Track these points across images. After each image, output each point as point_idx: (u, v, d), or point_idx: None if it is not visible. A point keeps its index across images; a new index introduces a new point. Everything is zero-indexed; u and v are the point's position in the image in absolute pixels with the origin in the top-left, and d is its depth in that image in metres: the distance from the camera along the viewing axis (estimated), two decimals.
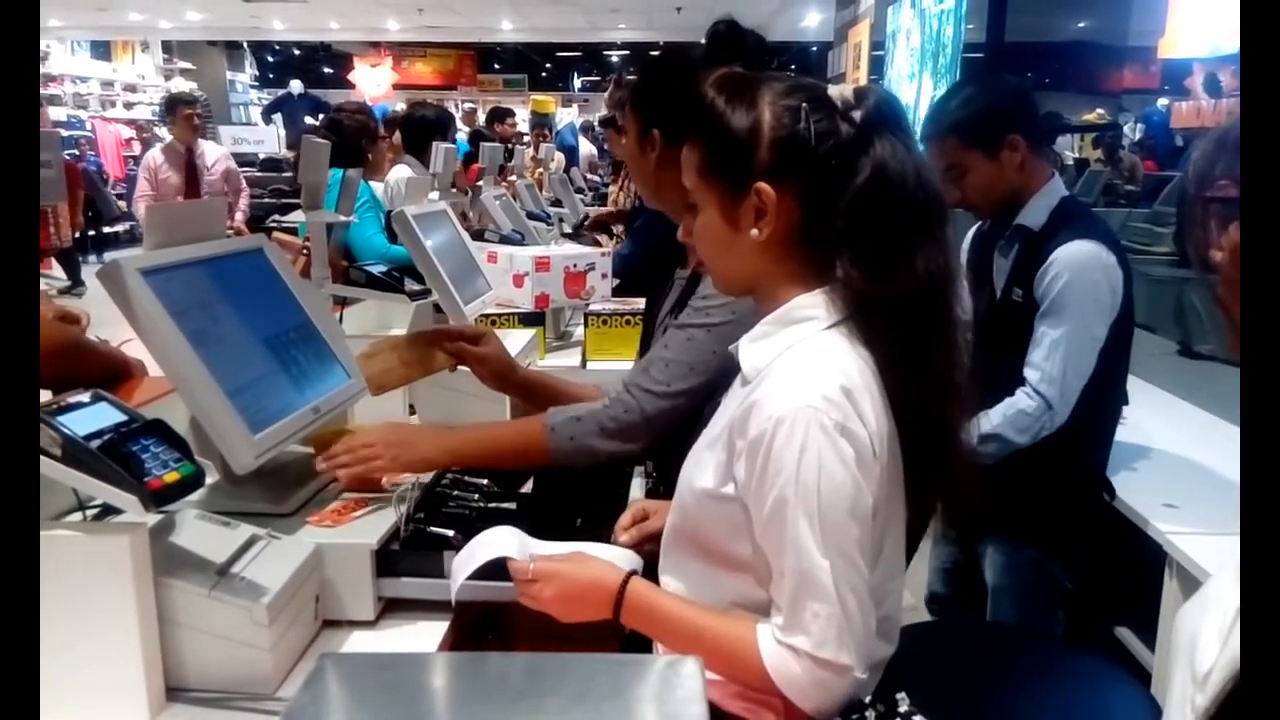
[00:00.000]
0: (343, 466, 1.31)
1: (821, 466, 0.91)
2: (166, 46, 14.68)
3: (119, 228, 10.45)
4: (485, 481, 1.50)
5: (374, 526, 1.22)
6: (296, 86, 12.99)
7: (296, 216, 1.97)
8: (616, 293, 2.89)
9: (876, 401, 0.96)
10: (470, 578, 1.12)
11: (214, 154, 5.89)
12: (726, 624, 1.00)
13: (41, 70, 11.68)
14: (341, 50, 17.55)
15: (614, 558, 1.16)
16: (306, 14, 12.87)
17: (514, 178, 4.47)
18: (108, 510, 1.16)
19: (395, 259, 2.60)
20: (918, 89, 5.96)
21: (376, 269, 2.08)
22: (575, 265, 2.75)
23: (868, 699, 0.98)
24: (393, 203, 3.53)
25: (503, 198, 3.63)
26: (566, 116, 15.86)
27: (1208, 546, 1.62)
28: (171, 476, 0.96)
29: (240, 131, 10.99)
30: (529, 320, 2.63)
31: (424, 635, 1.19)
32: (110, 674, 0.98)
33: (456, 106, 15.10)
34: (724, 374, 1.13)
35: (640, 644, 1.09)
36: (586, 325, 2.55)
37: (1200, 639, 0.69)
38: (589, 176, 8.08)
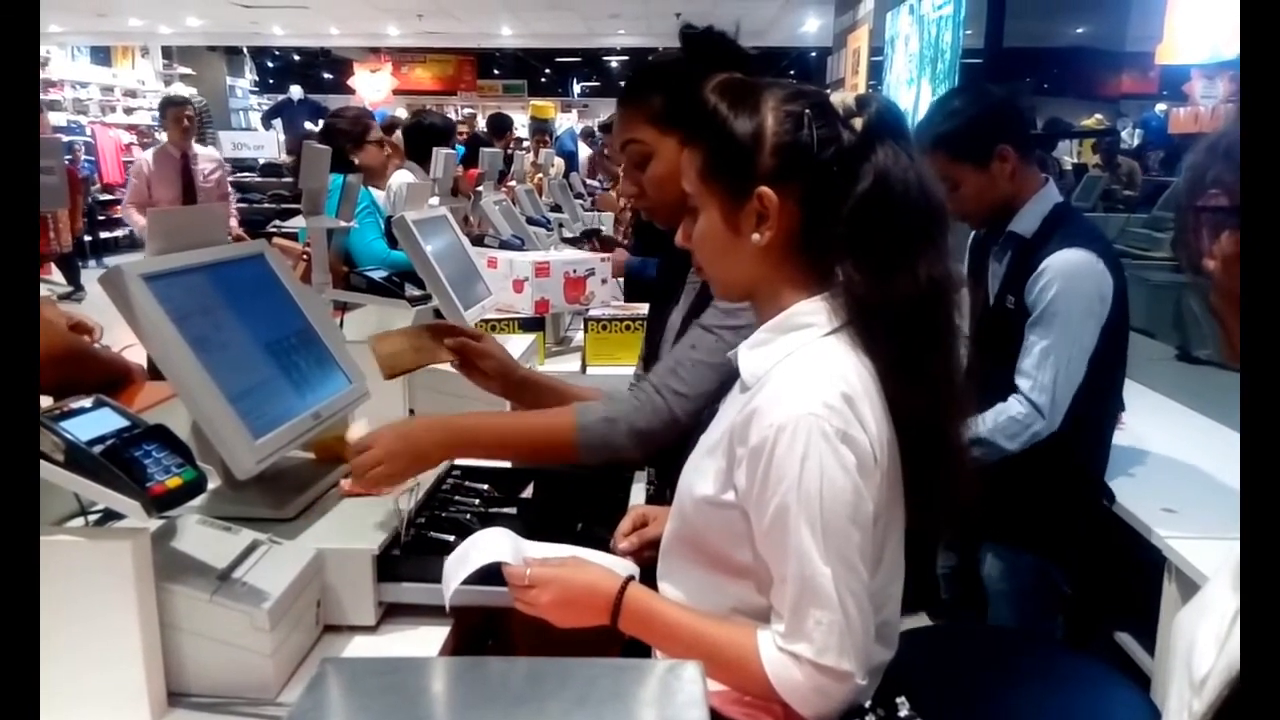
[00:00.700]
0: (359, 490, 1.32)
1: (823, 474, 0.92)
2: (166, 52, 14.69)
3: (118, 232, 10.46)
4: (486, 487, 1.50)
5: (375, 532, 1.22)
6: (296, 92, 12.99)
7: (297, 222, 1.97)
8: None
9: (877, 408, 0.97)
10: (467, 582, 1.12)
11: (208, 160, 5.77)
12: (726, 630, 1.01)
13: (42, 76, 11.69)
14: (341, 56, 17.57)
15: (610, 564, 1.16)
16: (306, 20, 12.89)
17: (513, 183, 4.48)
18: (109, 515, 1.16)
19: (395, 264, 2.60)
20: (916, 94, 5.97)
21: (377, 274, 2.08)
22: (575, 270, 2.75)
23: (868, 703, 0.98)
24: (393, 208, 3.54)
25: (502, 203, 3.64)
26: (566, 122, 15.89)
27: (1206, 551, 1.62)
28: (174, 482, 0.97)
29: (240, 137, 10.99)
30: (529, 325, 2.63)
31: (425, 640, 1.19)
32: (112, 679, 0.98)
33: (456, 112, 15.13)
34: (726, 382, 1.13)
35: (641, 650, 1.09)
36: (586, 330, 2.55)
37: (1197, 644, 0.69)
38: (588, 182, 8.08)
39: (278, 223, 5.95)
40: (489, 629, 1.42)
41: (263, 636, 1.02)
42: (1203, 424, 2.41)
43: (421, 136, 4.14)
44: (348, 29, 13.96)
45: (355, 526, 1.25)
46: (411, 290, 2.08)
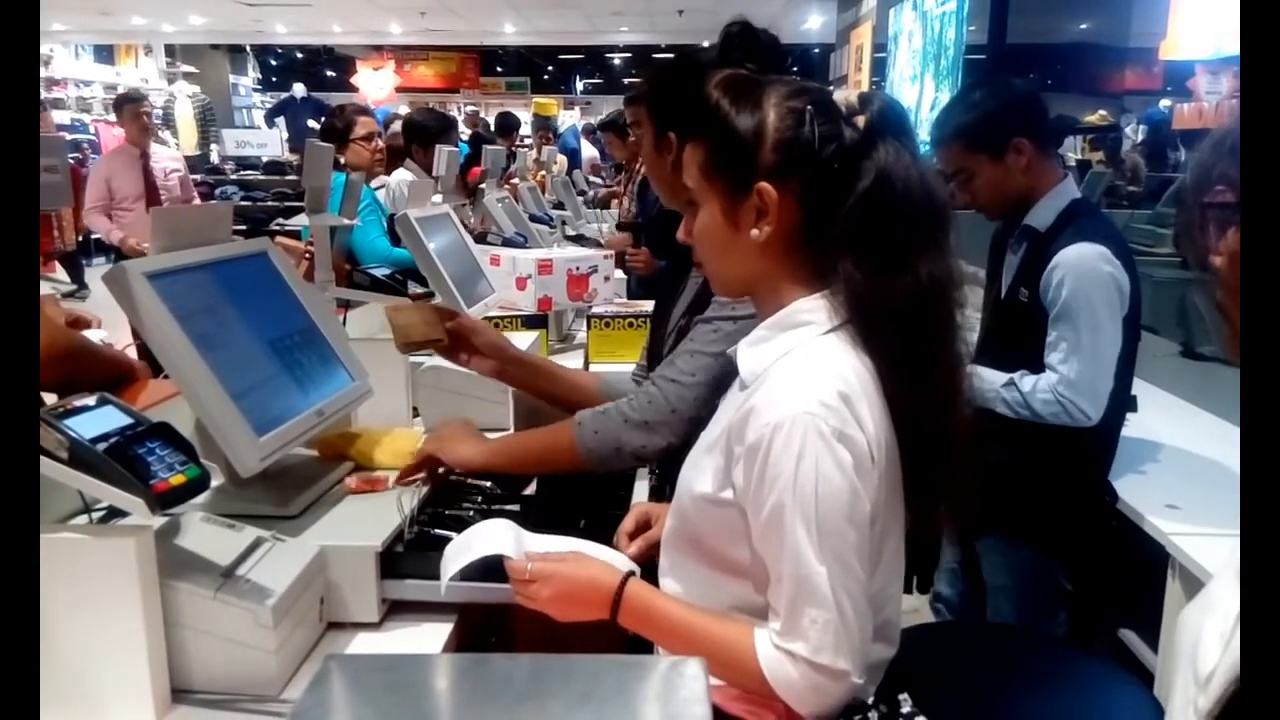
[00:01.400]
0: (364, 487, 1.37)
1: (819, 473, 0.92)
2: (169, 50, 14.70)
3: None
4: (489, 484, 1.50)
5: (378, 529, 1.22)
6: (299, 90, 13.00)
7: (300, 220, 1.98)
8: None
9: (875, 407, 0.96)
10: (469, 578, 1.13)
11: (165, 159, 5.47)
12: (724, 627, 1.01)
13: (45, 74, 11.71)
14: (344, 53, 17.58)
15: (611, 558, 1.16)
16: (309, 17, 12.90)
17: (516, 180, 4.48)
18: (113, 513, 1.17)
19: (398, 262, 2.61)
20: (919, 91, 5.96)
21: (380, 272, 2.09)
22: (578, 268, 2.75)
23: (870, 700, 0.98)
24: (394, 206, 3.54)
25: (505, 200, 3.64)
26: (569, 119, 15.88)
27: (1210, 547, 1.62)
28: (177, 479, 0.97)
29: (243, 135, 11.00)
30: (532, 323, 2.63)
31: (428, 637, 1.19)
32: (116, 676, 0.98)
33: (459, 109, 15.13)
34: (728, 375, 1.13)
35: (644, 647, 1.09)
36: (589, 328, 2.55)
37: (1202, 641, 0.69)
38: (591, 179, 8.08)
39: (281, 220, 5.93)
40: (491, 626, 1.43)
41: (266, 633, 1.02)
42: (1207, 420, 2.41)
43: (417, 135, 4.15)
44: (351, 26, 13.96)
45: (358, 523, 1.25)
46: (414, 288, 2.09)
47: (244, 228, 6.91)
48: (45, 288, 1.34)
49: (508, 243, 3.18)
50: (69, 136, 10.17)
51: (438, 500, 1.41)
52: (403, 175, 3.98)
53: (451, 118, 5.21)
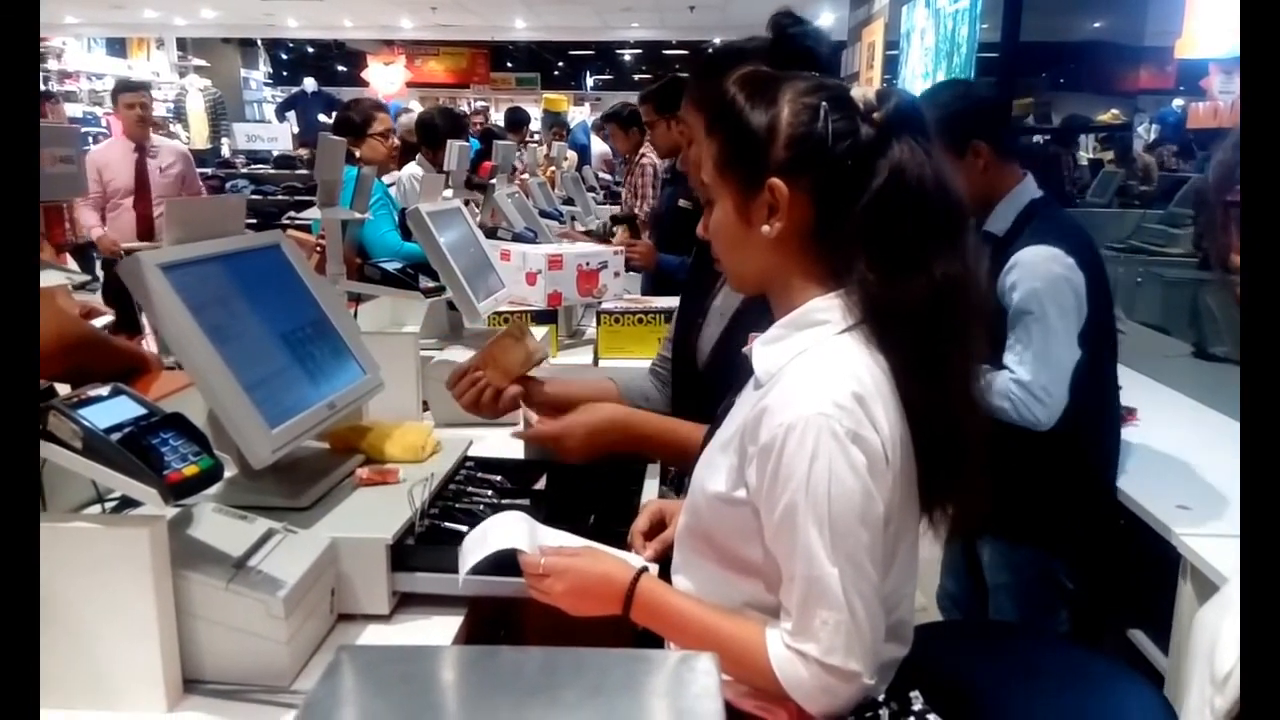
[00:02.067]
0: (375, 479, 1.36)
1: (832, 474, 0.91)
2: (181, 44, 14.73)
3: None
4: (499, 478, 1.51)
5: (389, 521, 1.23)
6: (310, 84, 13.03)
7: (312, 213, 1.98)
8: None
9: (890, 407, 0.96)
10: (482, 571, 1.13)
11: (170, 153, 5.05)
12: (736, 625, 1.01)
13: (58, 67, 11.75)
14: (355, 48, 17.58)
15: (625, 558, 1.16)
16: (320, 12, 12.90)
17: (526, 175, 4.48)
18: (126, 503, 1.17)
19: (409, 256, 2.61)
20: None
21: (391, 266, 2.09)
22: (588, 263, 2.75)
23: (881, 697, 0.98)
24: (405, 200, 3.54)
25: (515, 195, 3.64)
26: (579, 115, 15.87)
27: (1221, 548, 1.61)
28: (191, 470, 0.97)
29: (254, 129, 11.02)
30: (542, 318, 2.63)
31: (438, 630, 1.19)
32: (128, 666, 0.99)
33: (469, 105, 15.13)
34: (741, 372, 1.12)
35: (654, 641, 1.09)
36: (599, 323, 2.55)
37: (1220, 641, 0.69)
38: (601, 175, 8.08)
39: (292, 214, 5.92)
40: (501, 619, 1.43)
41: (278, 624, 1.03)
42: (1218, 421, 2.40)
43: (425, 135, 4.17)
44: (361, 21, 13.97)
45: (370, 516, 1.25)
46: (426, 282, 2.09)
47: (254, 221, 6.91)
48: (59, 278, 1.35)
49: (518, 238, 3.18)
50: (81, 129, 10.20)
51: (448, 494, 1.42)
52: (414, 170, 3.99)
53: (462, 117, 5.21)
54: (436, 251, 2.08)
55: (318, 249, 2.65)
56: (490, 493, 1.46)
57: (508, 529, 1.14)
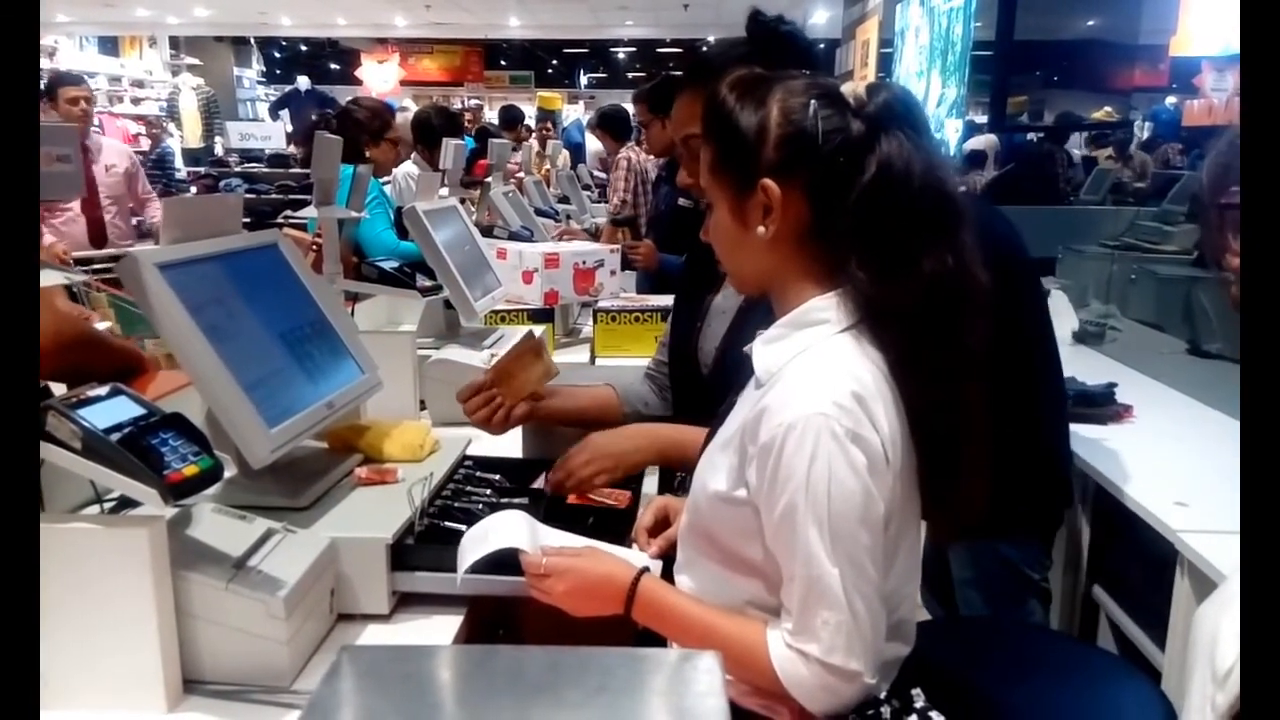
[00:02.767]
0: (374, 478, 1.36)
1: (832, 474, 0.91)
2: (174, 42, 14.68)
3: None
4: (498, 477, 1.51)
5: (388, 521, 1.22)
6: (303, 83, 13.00)
7: (308, 212, 1.97)
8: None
9: (890, 406, 0.96)
10: (482, 570, 1.13)
11: (113, 152, 4.60)
12: (737, 624, 1.01)
13: (50, 66, 11.70)
14: (349, 46, 17.55)
15: (626, 557, 1.16)
16: (314, 10, 12.89)
17: (521, 174, 4.47)
18: (125, 503, 1.17)
19: (405, 255, 2.60)
20: (926, 86, 5.95)
21: (388, 264, 2.08)
22: (584, 262, 2.75)
23: (882, 695, 0.98)
24: (401, 199, 3.54)
25: (510, 193, 3.64)
26: (573, 113, 15.86)
27: (1219, 544, 1.62)
28: (190, 470, 0.97)
29: (247, 127, 10.98)
30: (538, 317, 2.63)
31: (438, 629, 1.19)
32: (128, 666, 0.99)
33: (463, 103, 15.12)
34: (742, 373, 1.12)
35: (655, 640, 1.10)
36: (595, 322, 2.55)
37: (1220, 638, 0.69)
38: (596, 174, 8.07)
39: (289, 212, 5.88)
40: (500, 618, 1.43)
41: (278, 624, 1.03)
42: (1214, 418, 2.40)
43: (421, 134, 4.17)
44: (355, 19, 13.95)
45: (369, 516, 1.25)
46: (422, 281, 2.08)
47: (248, 220, 6.85)
48: (58, 277, 1.34)
49: (514, 236, 3.18)
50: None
51: (447, 493, 1.42)
52: (409, 169, 3.98)
53: (457, 116, 5.21)
54: (433, 250, 2.08)
55: (314, 247, 2.65)
56: (489, 491, 1.45)
57: (508, 528, 1.14)
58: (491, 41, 17.13)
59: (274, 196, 8.85)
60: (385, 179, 3.67)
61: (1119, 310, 3.52)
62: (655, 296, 2.85)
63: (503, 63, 19.70)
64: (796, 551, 0.93)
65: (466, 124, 8.25)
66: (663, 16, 12.80)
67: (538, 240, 3.29)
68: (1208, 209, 0.81)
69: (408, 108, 9.29)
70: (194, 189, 9.06)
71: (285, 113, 12.37)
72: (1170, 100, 10.60)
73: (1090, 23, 12.32)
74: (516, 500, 1.43)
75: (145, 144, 10.53)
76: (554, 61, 21.29)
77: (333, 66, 18.74)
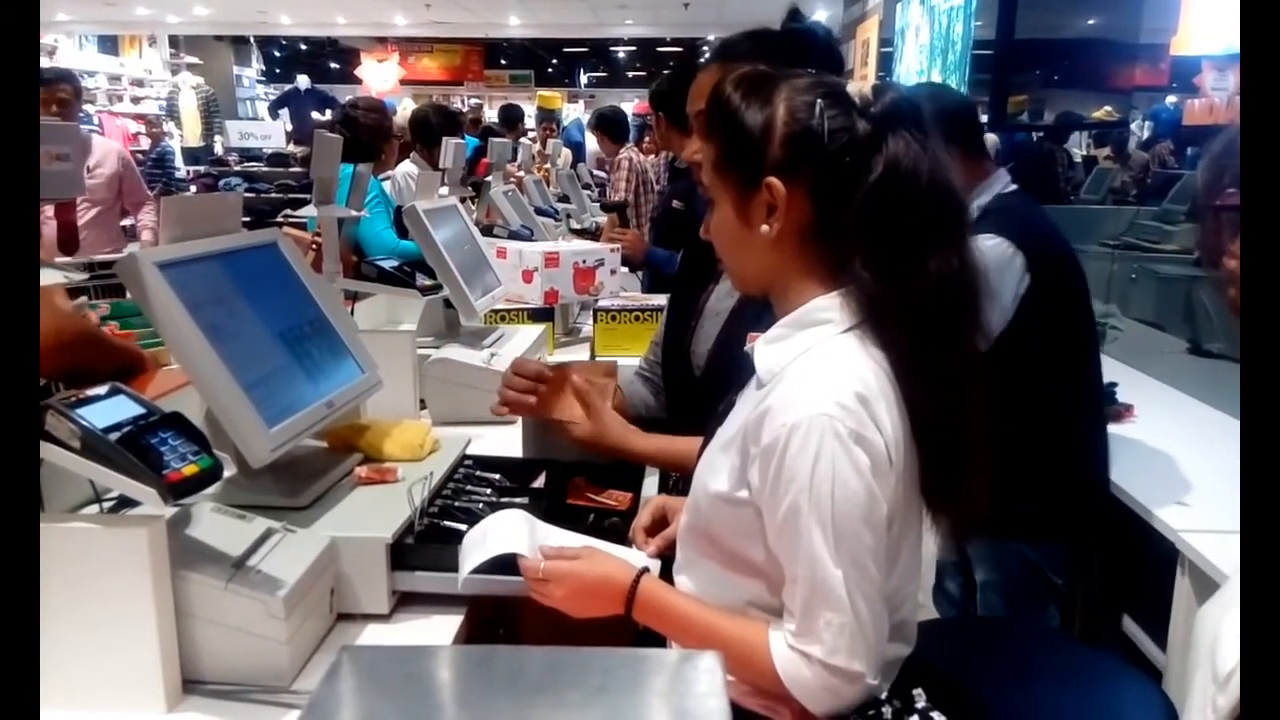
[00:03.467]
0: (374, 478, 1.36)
1: (835, 475, 0.91)
2: (174, 41, 14.68)
3: (126, 221, 10.47)
4: (497, 476, 1.50)
5: (388, 520, 1.22)
6: (303, 82, 13.00)
7: (307, 211, 1.97)
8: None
9: (894, 407, 0.95)
10: (482, 571, 1.13)
11: (102, 151, 4.29)
12: (739, 625, 1.01)
13: (49, 64, 11.69)
14: (349, 45, 17.55)
15: (626, 556, 1.16)
16: (314, 9, 12.89)
17: (521, 173, 4.47)
18: (124, 502, 1.16)
19: (405, 254, 2.60)
20: None
21: (387, 264, 2.08)
22: (584, 261, 2.75)
23: (884, 695, 0.98)
24: (400, 198, 3.53)
25: (510, 192, 3.63)
26: (573, 112, 15.85)
27: (1219, 544, 1.62)
28: (190, 469, 0.97)
29: (247, 126, 10.97)
30: (538, 316, 2.63)
31: (438, 629, 1.19)
32: (127, 666, 0.98)
33: (463, 102, 15.11)
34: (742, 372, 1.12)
35: (654, 640, 1.09)
36: (595, 321, 2.55)
37: (1222, 639, 0.69)
38: (596, 173, 8.06)
39: (288, 212, 5.87)
40: (500, 617, 1.43)
41: (277, 624, 1.02)
42: (1214, 417, 2.40)
43: (420, 133, 4.17)
44: (355, 18, 13.95)
45: (368, 515, 1.25)
46: (422, 280, 2.08)
47: (248, 219, 6.84)
48: (57, 276, 1.34)
49: (514, 235, 3.17)
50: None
51: (447, 492, 1.41)
52: (408, 168, 3.98)
53: (457, 115, 5.21)
54: (433, 249, 2.08)
55: (314, 246, 2.65)
56: (489, 491, 1.45)
57: (507, 530, 1.14)
58: (491, 40, 17.13)
59: (274, 195, 8.84)
60: (383, 177, 3.67)
61: (1119, 310, 3.52)
62: (655, 296, 2.85)
63: (503, 62, 19.69)
64: (799, 553, 0.93)
65: (469, 124, 8.26)
66: (663, 16, 12.80)
67: (538, 239, 3.28)
68: (1204, 210, 0.80)
69: (410, 105, 9.29)
70: (194, 188, 9.06)
71: (285, 112, 12.37)
72: (1171, 100, 10.60)
73: (1091, 21, 12.30)
74: (516, 500, 1.43)
75: (145, 143, 10.53)
76: (554, 61, 21.28)
77: (332, 65, 18.73)
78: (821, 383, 0.94)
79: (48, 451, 0.94)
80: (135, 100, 13.11)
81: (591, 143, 10.59)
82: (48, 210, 3.93)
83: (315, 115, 11.20)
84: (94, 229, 4.13)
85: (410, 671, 0.74)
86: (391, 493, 1.32)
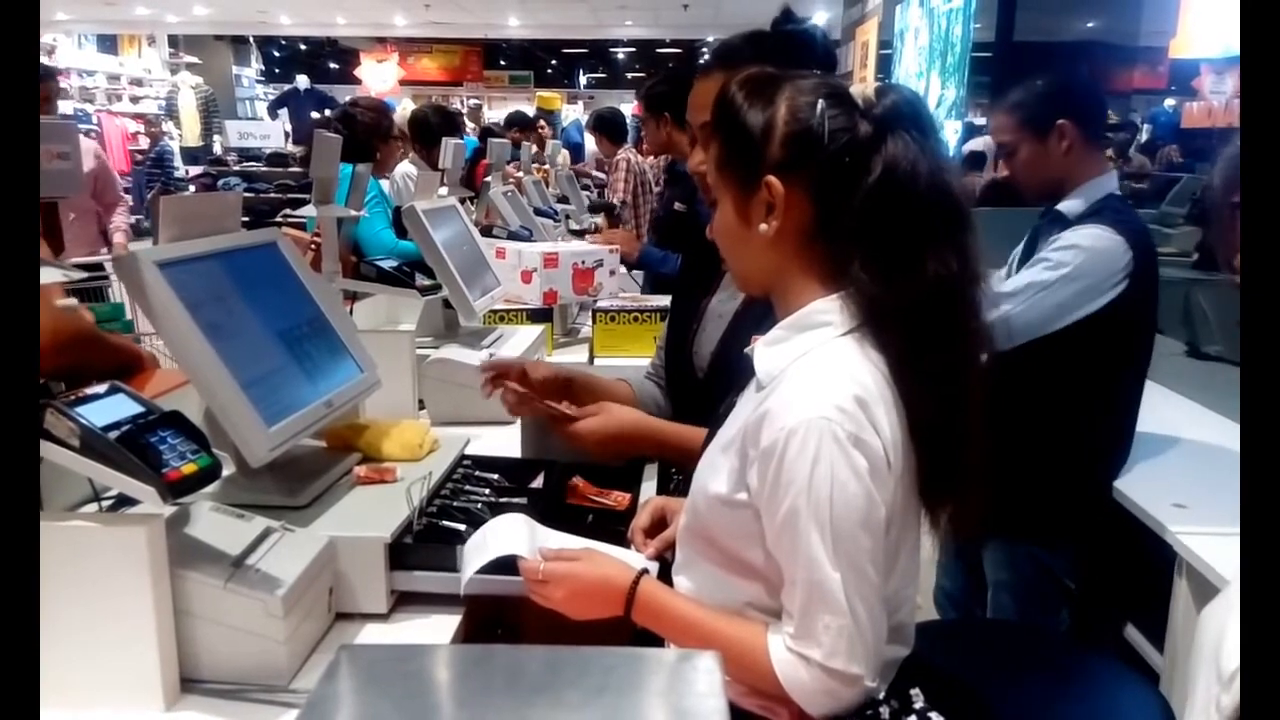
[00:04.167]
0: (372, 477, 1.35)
1: (834, 478, 0.91)
2: (173, 41, 14.70)
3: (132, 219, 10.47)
4: (496, 476, 1.50)
5: (387, 520, 1.22)
6: (303, 82, 13.00)
7: (307, 211, 1.97)
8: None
9: (892, 410, 0.95)
10: (481, 571, 1.13)
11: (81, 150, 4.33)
12: (737, 627, 1.01)
13: (48, 64, 11.69)
14: (348, 46, 17.56)
15: (624, 557, 1.16)
16: (313, 9, 12.89)
17: (521, 174, 4.47)
18: (123, 500, 1.16)
19: (404, 254, 2.60)
20: (926, 87, 5.95)
21: (386, 264, 2.08)
22: (583, 262, 2.75)
23: (881, 695, 0.98)
24: (400, 198, 3.53)
25: (510, 193, 3.63)
26: (572, 113, 15.86)
27: (1217, 546, 1.62)
28: (189, 468, 0.97)
29: (246, 126, 10.99)
30: (537, 316, 2.63)
31: (436, 628, 1.19)
32: (126, 665, 0.98)
33: (463, 103, 15.11)
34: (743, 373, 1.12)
35: (654, 639, 1.09)
36: (594, 321, 2.55)
37: (1225, 639, 0.69)
38: (595, 174, 8.06)
39: (288, 211, 5.86)
40: (499, 617, 1.43)
41: (276, 623, 1.02)
42: (1213, 419, 2.41)
43: (418, 132, 4.17)
44: (355, 19, 13.96)
45: (367, 515, 1.25)
46: (421, 280, 2.08)
47: (247, 219, 6.82)
48: (57, 275, 1.33)
49: (513, 236, 3.18)
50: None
51: (446, 492, 1.41)
52: (407, 168, 3.98)
53: (456, 115, 5.21)
54: (432, 249, 2.08)
55: (313, 246, 2.65)
56: (488, 491, 1.45)
57: (507, 533, 1.14)
58: (491, 41, 17.15)
59: (273, 195, 8.85)
60: (383, 176, 3.67)
61: None
62: (654, 297, 2.85)
63: (502, 62, 19.72)
64: (798, 555, 0.93)
65: (471, 128, 8.27)
66: (662, 16, 12.80)
67: (536, 240, 3.28)
68: (1219, 210, 0.81)
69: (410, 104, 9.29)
70: (192, 188, 9.06)
71: (284, 112, 12.37)
72: (1169, 102, 10.62)
73: (1090, 24, 12.33)
74: (515, 500, 1.43)
75: (144, 143, 10.53)
76: (553, 61, 21.30)
77: (332, 66, 18.75)
78: (820, 386, 0.94)
79: (47, 450, 0.94)
80: (134, 100, 13.11)
81: (591, 144, 10.62)
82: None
83: (314, 115, 11.21)
84: (72, 230, 4.03)
85: (409, 670, 0.74)
86: (390, 492, 1.32)
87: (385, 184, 3.64)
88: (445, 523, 1.30)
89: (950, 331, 0.98)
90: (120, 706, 0.99)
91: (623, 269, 3.32)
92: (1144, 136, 10.66)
